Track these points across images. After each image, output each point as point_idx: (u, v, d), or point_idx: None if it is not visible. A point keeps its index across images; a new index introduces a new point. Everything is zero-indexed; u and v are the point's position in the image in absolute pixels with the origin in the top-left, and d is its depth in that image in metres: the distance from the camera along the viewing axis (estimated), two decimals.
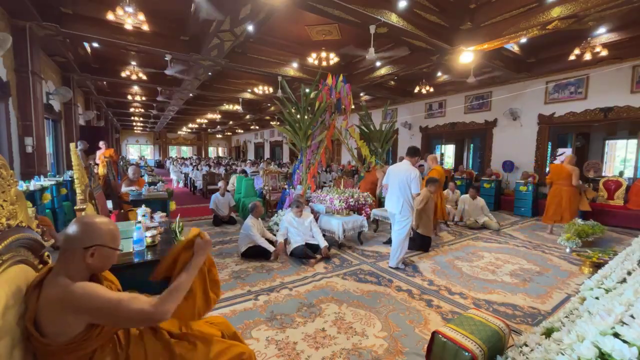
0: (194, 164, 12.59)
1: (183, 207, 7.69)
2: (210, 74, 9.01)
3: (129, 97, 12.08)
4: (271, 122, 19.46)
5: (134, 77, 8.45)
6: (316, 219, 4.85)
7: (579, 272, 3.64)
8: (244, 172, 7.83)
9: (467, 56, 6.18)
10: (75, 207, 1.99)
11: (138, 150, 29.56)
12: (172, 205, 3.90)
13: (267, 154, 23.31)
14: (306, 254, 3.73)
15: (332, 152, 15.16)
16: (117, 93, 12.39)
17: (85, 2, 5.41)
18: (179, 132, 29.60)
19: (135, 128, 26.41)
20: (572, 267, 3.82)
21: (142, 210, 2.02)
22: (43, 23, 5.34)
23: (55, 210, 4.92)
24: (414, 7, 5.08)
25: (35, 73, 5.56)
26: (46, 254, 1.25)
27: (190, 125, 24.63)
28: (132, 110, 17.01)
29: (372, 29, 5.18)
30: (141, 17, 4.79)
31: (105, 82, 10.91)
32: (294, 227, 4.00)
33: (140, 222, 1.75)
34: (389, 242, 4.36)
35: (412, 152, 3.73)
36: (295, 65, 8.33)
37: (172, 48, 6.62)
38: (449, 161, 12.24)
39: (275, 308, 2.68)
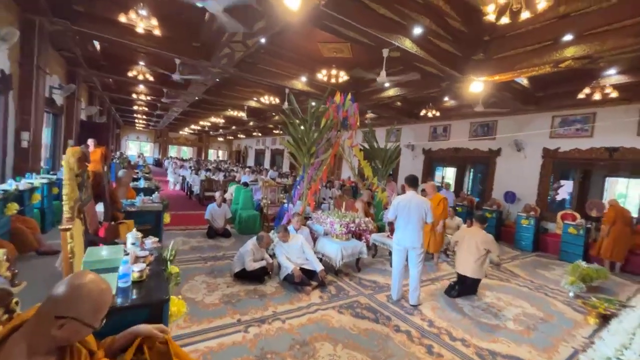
0: (192, 167, 12.42)
1: (178, 213, 7.50)
2: (218, 79, 8.98)
3: (134, 95, 12.00)
4: (274, 131, 19.51)
5: (141, 77, 8.38)
6: (314, 239, 4.70)
7: (584, 323, 3.48)
8: (245, 184, 7.66)
9: (477, 86, 6.16)
10: (59, 227, 1.83)
11: (138, 147, 29.37)
12: (167, 218, 3.73)
13: (267, 161, 23.21)
14: (302, 281, 3.55)
15: (333, 166, 15.07)
16: (123, 90, 12.31)
17: (98, 1, 5.35)
18: (181, 132, 29.52)
19: (137, 125, 26.32)
20: (577, 315, 3.66)
21: (132, 236, 1.86)
22: (54, 19, 5.28)
23: (44, 210, 4.74)
24: (429, 34, 5.06)
25: (39, 67, 5.46)
26: (14, 300, 1.09)
27: (192, 126, 24.57)
28: (135, 107, 16.94)
29: (385, 52, 5.16)
30: (154, 21, 4.73)
31: (111, 79, 10.84)
32: (285, 252, 3.84)
33: (128, 253, 1.60)
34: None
35: (415, 182, 3.65)
36: (304, 79, 8.30)
37: (182, 53, 6.56)
38: (449, 183, 12.16)
39: (266, 344, 2.50)
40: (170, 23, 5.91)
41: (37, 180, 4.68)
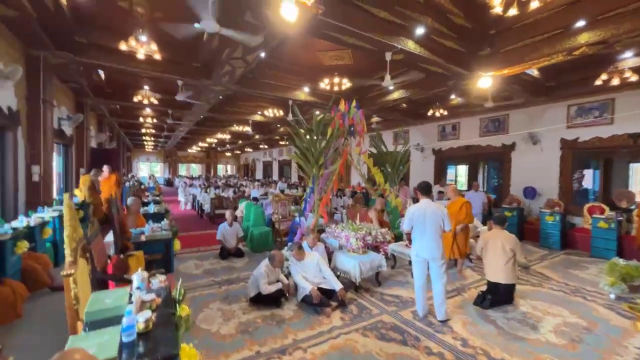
0: (202, 185, 12.44)
1: (189, 234, 7.44)
2: (221, 97, 9.01)
3: (141, 118, 12.18)
4: (280, 143, 19.53)
5: (145, 101, 8.48)
6: (329, 255, 4.51)
7: (633, 330, 3.17)
8: (255, 199, 7.56)
9: (485, 81, 5.94)
10: (61, 273, 1.72)
11: (148, 168, 29.89)
12: (177, 245, 3.63)
13: (275, 173, 23.23)
14: (321, 301, 3.37)
15: (344, 173, 14.89)
16: (130, 115, 12.53)
17: (98, 31, 5.41)
18: (189, 150, 29.94)
19: (146, 146, 26.83)
20: (624, 321, 3.35)
21: (138, 278, 1.73)
22: (57, 52, 5.36)
23: (56, 243, 4.71)
24: (432, 33, 4.90)
25: (46, 101, 5.53)
26: None
27: (200, 144, 24.88)
28: (143, 130, 17.25)
29: (388, 56, 5.02)
30: (153, 46, 4.73)
31: (118, 106, 11.03)
32: (301, 271, 3.66)
33: (132, 301, 1.47)
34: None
35: (428, 190, 3.46)
36: (306, 89, 8.24)
37: (183, 74, 6.59)
38: (461, 180, 11.84)
39: None
40: (169, 46, 5.93)
41: (48, 213, 4.67)
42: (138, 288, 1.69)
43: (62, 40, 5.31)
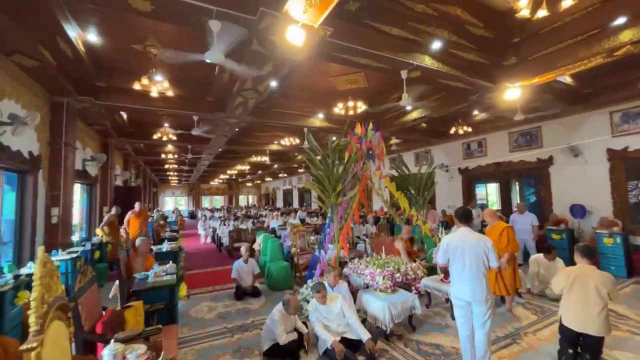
0: (222, 217, 12.35)
1: (206, 270, 7.14)
2: (237, 129, 9.07)
3: (163, 155, 12.57)
4: (299, 170, 19.51)
5: (165, 138, 8.68)
6: (354, 294, 3.98)
7: None
8: (273, 231, 7.23)
9: (513, 93, 5.47)
10: (21, 347, 1.41)
11: (174, 202, 30.82)
12: (183, 291, 3.30)
13: (295, 200, 23.03)
14: (346, 357, 2.83)
15: (364, 199, 14.36)
16: (153, 152, 13.00)
17: (117, 75, 5.62)
18: (212, 183, 30.73)
19: (171, 181, 27.85)
20: None
21: (108, 353, 1.37)
22: (79, 97, 5.56)
23: (67, 287, 4.53)
24: (449, 47, 4.60)
25: (68, 144, 5.68)
26: None
27: (221, 176, 25.47)
28: (167, 166, 17.88)
29: (404, 74, 4.74)
30: (165, 84, 4.76)
31: (142, 144, 11.47)
32: (322, 317, 3.17)
33: None
34: None
35: (468, 216, 2.91)
36: (321, 115, 8.11)
37: (198, 109, 6.66)
38: (492, 199, 10.92)
39: None
40: (183, 83, 6.05)
41: (59, 256, 4.54)
42: None
43: (83, 86, 5.53)
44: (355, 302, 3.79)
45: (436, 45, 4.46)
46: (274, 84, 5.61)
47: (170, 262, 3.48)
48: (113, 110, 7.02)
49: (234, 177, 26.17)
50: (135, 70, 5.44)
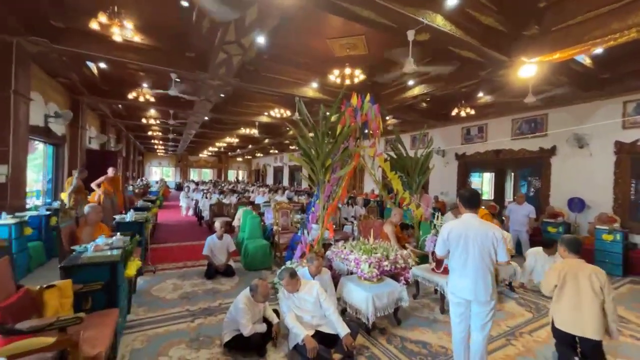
0: (205, 190, 11.76)
1: (181, 244, 6.67)
2: (222, 95, 8.31)
3: (144, 120, 11.69)
4: (290, 147, 18.80)
5: (142, 98, 7.88)
6: (336, 280, 3.56)
7: None
8: (251, 204, 6.71)
9: (528, 70, 4.91)
10: None
11: (161, 172, 29.87)
12: (132, 269, 2.75)
13: (286, 178, 22.48)
14: (318, 355, 2.41)
15: (355, 179, 13.89)
16: (133, 116, 12.07)
17: (75, 15, 4.74)
18: (200, 155, 29.74)
19: (158, 151, 26.76)
20: None
21: None
22: (31, 37, 4.74)
23: (12, 256, 3.98)
24: (466, 5, 3.94)
25: (19, 93, 4.91)
26: None
27: (210, 148, 24.55)
28: (150, 133, 16.91)
29: (411, 34, 4.09)
30: (129, 25, 4.00)
31: (120, 105, 10.56)
32: (295, 307, 2.73)
33: None
34: None
35: (475, 201, 2.41)
36: (315, 85, 7.41)
37: (176, 66, 5.88)
38: (484, 189, 10.65)
39: None
40: (156, 33, 5.25)
41: (2, 220, 3.95)
42: None
43: (36, 24, 4.71)
44: (335, 289, 3.37)
45: (452, 1, 3.80)
46: (261, 39, 4.88)
47: (135, 234, 2.95)
48: (77, 60, 6.16)
49: (223, 150, 25.26)
50: (99, 9, 4.61)
